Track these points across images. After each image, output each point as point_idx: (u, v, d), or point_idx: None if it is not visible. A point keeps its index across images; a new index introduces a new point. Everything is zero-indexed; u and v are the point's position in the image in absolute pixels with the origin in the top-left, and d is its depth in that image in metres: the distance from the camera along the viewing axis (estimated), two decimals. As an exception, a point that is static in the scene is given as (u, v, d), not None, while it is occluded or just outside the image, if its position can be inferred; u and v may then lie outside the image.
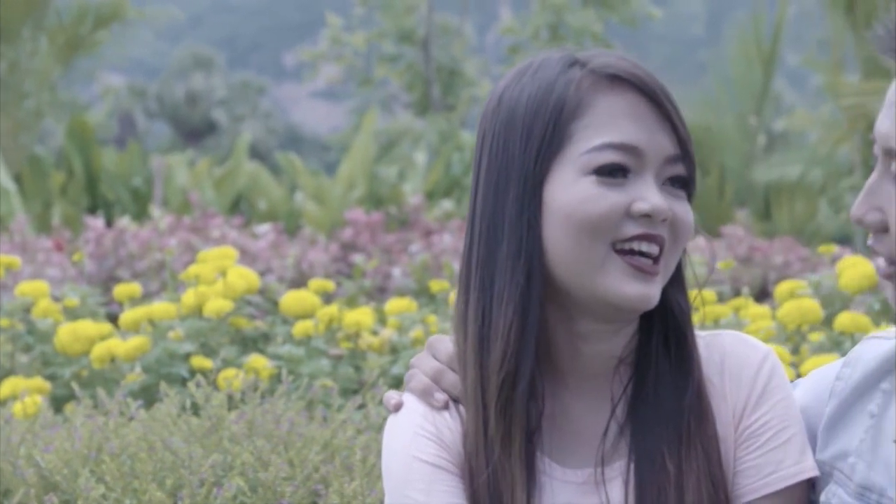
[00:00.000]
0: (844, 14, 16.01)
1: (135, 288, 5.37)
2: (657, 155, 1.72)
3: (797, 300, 4.55)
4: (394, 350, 4.85)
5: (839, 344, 4.32)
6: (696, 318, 1.84)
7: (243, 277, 4.91)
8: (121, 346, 4.48)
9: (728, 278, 8.36)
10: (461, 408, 1.78)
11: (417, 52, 27.15)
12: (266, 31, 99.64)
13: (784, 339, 4.52)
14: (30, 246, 9.35)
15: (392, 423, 1.81)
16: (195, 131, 50.70)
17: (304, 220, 15.50)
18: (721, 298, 6.63)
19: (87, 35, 18.67)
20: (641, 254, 1.71)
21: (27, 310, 5.18)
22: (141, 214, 15.78)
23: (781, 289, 4.88)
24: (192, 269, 4.95)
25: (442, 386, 1.79)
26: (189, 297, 4.78)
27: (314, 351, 4.61)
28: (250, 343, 4.86)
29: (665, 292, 1.75)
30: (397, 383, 4.25)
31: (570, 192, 1.70)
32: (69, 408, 3.99)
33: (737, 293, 7.43)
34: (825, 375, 1.87)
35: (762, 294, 8.55)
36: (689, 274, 1.81)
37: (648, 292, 1.71)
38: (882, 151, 1.65)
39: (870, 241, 1.68)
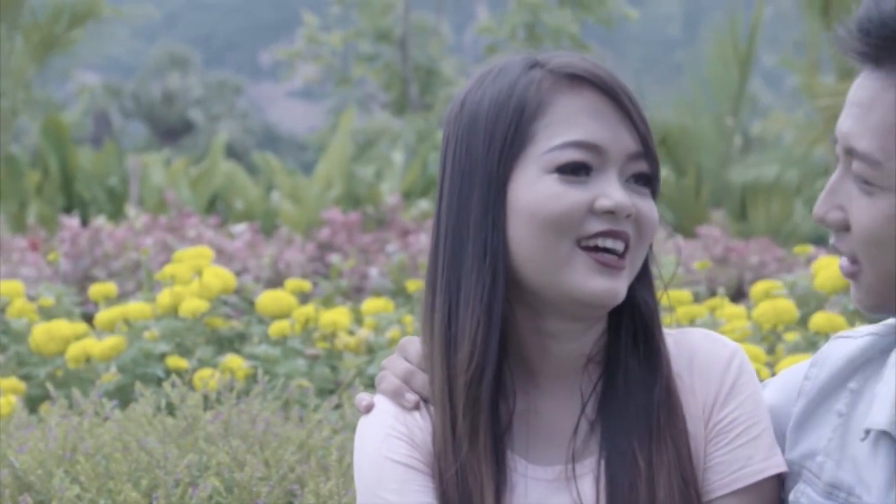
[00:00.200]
0: (820, 15, 16.08)
1: (110, 287, 5.35)
2: (619, 152, 1.74)
3: (772, 300, 4.57)
4: (370, 350, 4.85)
5: (814, 344, 4.34)
6: (669, 320, 1.85)
7: (219, 277, 4.90)
8: (96, 345, 4.47)
9: (704, 279, 8.39)
10: (432, 408, 1.79)
11: (394, 51, 27.14)
12: (242, 30, 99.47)
13: (759, 339, 4.53)
14: (5, 245, 9.32)
15: (363, 424, 1.82)
16: (171, 131, 50.57)
17: (281, 220, 15.47)
18: (697, 299, 6.65)
19: (62, 33, 18.59)
20: (606, 250, 1.73)
21: (2, 309, 5.16)
22: (117, 214, 15.73)
23: (757, 289, 4.90)
24: (168, 269, 4.93)
25: (412, 387, 1.81)
26: (165, 296, 4.77)
27: (290, 351, 4.61)
28: (226, 343, 4.85)
29: (632, 290, 1.77)
30: (374, 383, 4.25)
31: (533, 190, 1.72)
32: (44, 408, 3.97)
33: (713, 293, 7.45)
34: (794, 375, 1.88)
35: (738, 294, 8.58)
36: (655, 273, 1.83)
37: (615, 287, 1.73)
38: (843, 151, 1.67)
39: (832, 241, 1.70)
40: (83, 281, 7.90)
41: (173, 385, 3.35)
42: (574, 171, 1.72)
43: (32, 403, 4.44)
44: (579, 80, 1.75)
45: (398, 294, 7.31)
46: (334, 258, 7.90)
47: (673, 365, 1.80)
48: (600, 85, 1.74)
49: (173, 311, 4.74)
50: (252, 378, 4.15)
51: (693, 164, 16.83)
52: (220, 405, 3.34)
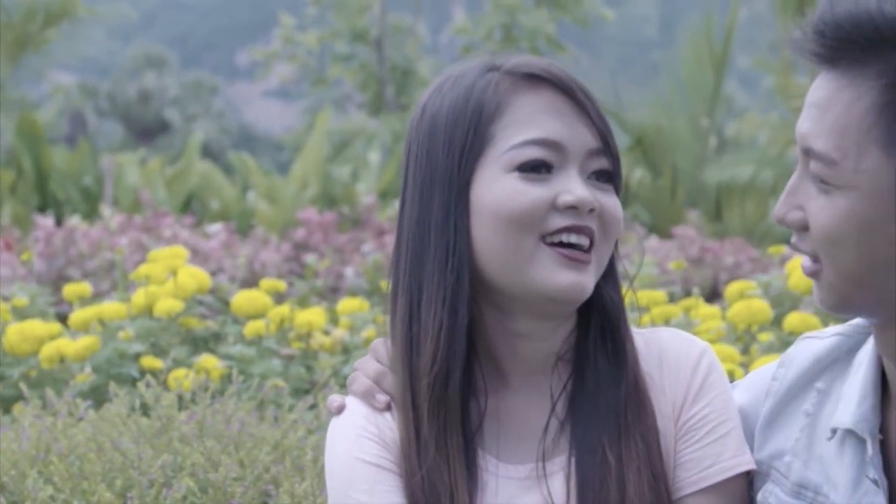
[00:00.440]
0: (795, 17, 16.13)
1: (85, 287, 5.33)
2: (579, 149, 1.76)
3: (747, 301, 4.59)
4: (346, 350, 4.85)
5: (788, 344, 4.32)
6: (644, 319, 1.86)
7: (194, 277, 4.89)
8: (70, 345, 4.45)
9: (679, 279, 8.41)
10: None
11: (371, 51, 27.10)
12: (219, 30, 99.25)
13: (734, 339, 4.55)
14: (-21, 245, 9.26)
15: (335, 425, 1.83)
16: (147, 130, 50.41)
17: (257, 220, 15.43)
18: (672, 299, 6.67)
19: (36, 33, 18.52)
20: (572, 245, 1.74)
21: (-25, 310, 5.13)
22: (91, 213, 15.67)
23: (732, 289, 4.92)
24: (143, 269, 4.92)
25: (383, 387, 1.82)
26: (139, 296, 4.76)
27: (265, 351, 4.60)
28: (201, 343, 4.84)
29: (598, 287, 1.78)
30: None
31: (494, 190, 1.73)
32: (17, 408, 3.96)
33: (688, 294, 7.47)
34: (762, 376, 1.90)
35: (713, 294, 8.60)
36: (621, 270, 1.84)
37: (581, 280, 1.74)
38: (801, 151, 1.69)
39: (793, 240, 1.72)
40: (57, 281, 7.86)
41: (148, 385, 3.34)
42: (535, 168, 1.74)
43: (6, 404, 4.42)
44: (536, 79, 1.77)
45: (374, 294, 7.31)
46: (310, 258, 7.89)
47: (643, 363, 1.82)
48: (557, 83, 1.76)
49: (148, 311, 4.73)
50: (227, 378, 4.14)
51: (668, 164, 16.86)
52: (194, 405, 3.34)
